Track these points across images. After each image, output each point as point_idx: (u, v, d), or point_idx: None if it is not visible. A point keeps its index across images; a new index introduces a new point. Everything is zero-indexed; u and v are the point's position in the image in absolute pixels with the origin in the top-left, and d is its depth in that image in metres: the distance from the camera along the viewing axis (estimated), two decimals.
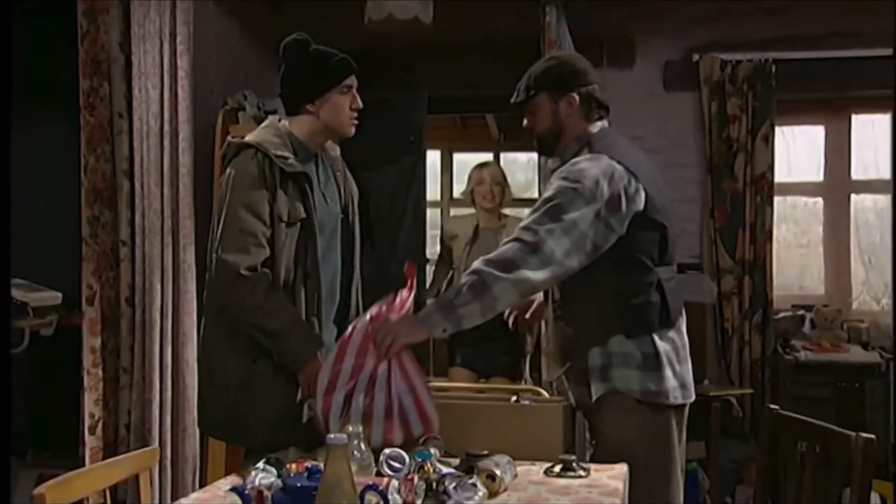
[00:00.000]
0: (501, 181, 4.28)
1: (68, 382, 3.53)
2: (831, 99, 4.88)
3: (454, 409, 2.31)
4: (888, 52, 4.49)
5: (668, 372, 2.30)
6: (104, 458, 3.45)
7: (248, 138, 2.50)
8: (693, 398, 2.40)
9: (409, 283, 2.23)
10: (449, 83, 4.84)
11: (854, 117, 4.97)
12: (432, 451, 1.97)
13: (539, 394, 2.55)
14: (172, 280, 3.50)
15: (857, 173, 4.99)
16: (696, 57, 4.67)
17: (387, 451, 1.93)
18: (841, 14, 4.51)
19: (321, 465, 1.69)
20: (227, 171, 2.51)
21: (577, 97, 2.41)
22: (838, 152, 4.99)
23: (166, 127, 3.52)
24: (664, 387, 2.30)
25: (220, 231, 2.45)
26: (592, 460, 2.29)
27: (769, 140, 4.61)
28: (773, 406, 2.31)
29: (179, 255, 3.51)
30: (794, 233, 5.14)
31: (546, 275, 2.21)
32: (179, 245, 3.50)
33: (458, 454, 2.12)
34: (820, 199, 5.06)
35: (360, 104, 2.56)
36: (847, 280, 4.94)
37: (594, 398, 2.32)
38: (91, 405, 3.46)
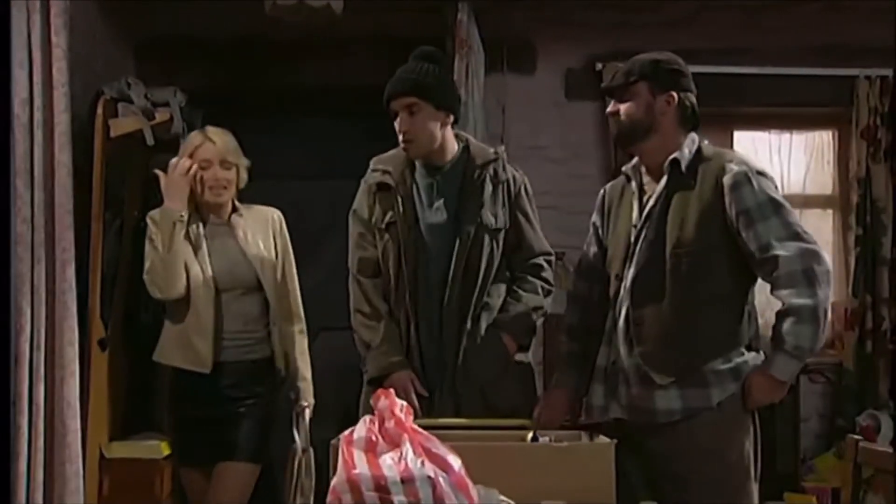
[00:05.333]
0: None
1: None
2: (717, 114, 4.89)
3: (486, 452, 1.92)
4: (777, 70, 4.58)
5: None
6: None
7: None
8: None
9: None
10: (337, 79, 4.44)
11: (736, 133, 5.01)
12: None
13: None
14: (46, 303, 2.86)
15: None
16: (598, 66, 4.51)
17: None
18: (738, 29, 4.55)
19: None
20: None
21: (676, 97, 2.32)
22: None
23: (37, 116, 2.89)
24: None
25: None
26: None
27: None
28: (856, 437, 2.14)
29: (56, 274, 2.87)
30: None
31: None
32: (56, 261, 2.87)
33: None
34: None
35: (399, 127, 2.64)
36: None
37: (717, 401, 2.23)
38: None
